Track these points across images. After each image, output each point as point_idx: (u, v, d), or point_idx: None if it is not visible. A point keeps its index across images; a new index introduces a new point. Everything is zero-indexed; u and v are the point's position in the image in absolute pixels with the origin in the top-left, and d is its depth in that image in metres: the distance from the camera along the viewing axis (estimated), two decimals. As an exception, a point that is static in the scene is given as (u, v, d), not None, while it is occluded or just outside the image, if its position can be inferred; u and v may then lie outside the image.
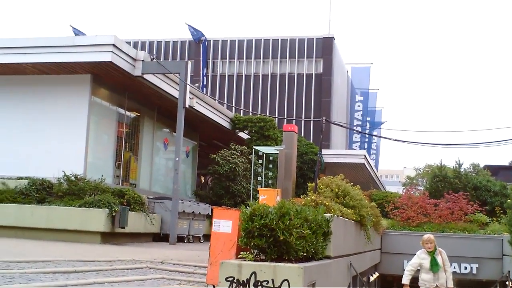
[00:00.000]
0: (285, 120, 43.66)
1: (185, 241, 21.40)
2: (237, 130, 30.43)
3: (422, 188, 37.47)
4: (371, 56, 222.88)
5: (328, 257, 9.48)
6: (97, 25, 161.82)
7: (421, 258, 11.15)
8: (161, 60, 32.98)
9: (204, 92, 40.22)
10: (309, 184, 15.28)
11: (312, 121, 46.34)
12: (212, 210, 9.58)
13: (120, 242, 17.92)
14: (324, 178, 14.13)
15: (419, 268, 11.22)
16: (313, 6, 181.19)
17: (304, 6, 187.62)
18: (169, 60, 47.75)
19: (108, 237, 17.59)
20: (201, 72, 48.36)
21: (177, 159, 20.27)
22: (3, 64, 19.95)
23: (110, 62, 18.72)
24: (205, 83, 48.66)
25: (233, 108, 44.20)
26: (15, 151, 20.55)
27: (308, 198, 10.67)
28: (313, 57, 48.98)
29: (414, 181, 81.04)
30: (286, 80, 49.04)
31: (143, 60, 20.09)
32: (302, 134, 41.43)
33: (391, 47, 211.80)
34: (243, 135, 30.94)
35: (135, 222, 18.73)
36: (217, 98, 45.05)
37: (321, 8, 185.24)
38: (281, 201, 8.19)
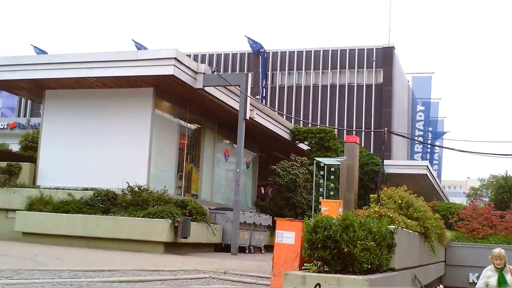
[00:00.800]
0: (345, 131, 43.35)
1: (246, 252, 21.46)
2: (297, 141, 30.41)
3: (487, 200, 36.52)
4: (432, 65, 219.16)
5: (393, 269, 9.33)
6: (158, 38, 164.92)
7: (487, 276, 10.62)
8: (221, 72, 33.32)
9: (264, 104, 40.34)
10: (371, 196, 15.10)
11: (372, 132, 45.88)
12: (272, 220, 9.58)
13: (182, 252, 18.12)
14: (386, 189, 13.94)
15: None
16: (372, 16, 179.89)
17: (363, 16, 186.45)
18: (229, 72, 48.21)
19: (171, 247, 17.82)
20: (260, 83, 48.60)
21: (238, 170, 20.39)
22: (69, 78, 20.53)
23: (172, 75, 19.02)
24: (264, 95, 48.87)
25: (292, 119, 44.22)
26: (80, 163, 21.10)
27: (372, 210, 10.53)
28: (373, 67, 48.59)
29: (478, 192, 79.04)
30: (346, 90, 48.79)
31: (204, 73, 20.34)
32: (363, 145, 41.02)
33: (453, 56, 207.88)
34: (303, 146, 30.88)
35: (197, 232, 18.91)
36: (276, 109, 45.15)
37: (380, 18, 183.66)
38: (345, 212, 8.13)
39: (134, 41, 46.72)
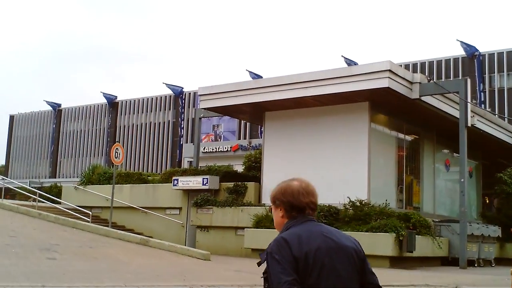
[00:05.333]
0: None
1: (475, 265, 20.45)
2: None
3: None
4: None
5: None
6: (364, 52, 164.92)
7: None
8: (435, 79, 32.30)
9: (483, 109, 38.28)
10: None
11: None
12: (502, 232, 9.02)
13: (408, 267, 17.78)
14: None
15: None
16: None
17: None
18: (442, 79, 46.60)
19: (396, 262, 17.58)
20: (477, 88, 46.32)
21: (462, 180, 19.62)
22: (287, 99, 21.28)
23: (387, 87, 18.87)
24: (482, 99, 46.48)
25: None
26: (301, 180, 21.66)
27: None
28: None
29: None
30: None
31: (419, 83, 19.91)
32: None
33: None
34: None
35: (422, 246, 18.45)
36: (497, 113, 42.67)
37: None
38: None
39: (344, 57, 47.24)
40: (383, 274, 14.67)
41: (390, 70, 18.76)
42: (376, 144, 21.21)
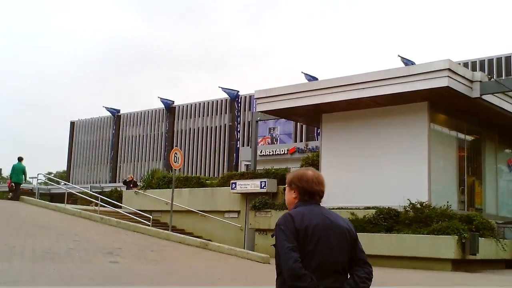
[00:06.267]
0: None
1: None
2: None
3: None
4: None
5: None
6: (421, 51, 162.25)
7: None
8: (495, 77, 31.54)
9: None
10: None
11: None
12: None
13: (471, 270, 17.37)
14: None
15: None
16: None
17: None
18: (503, 77, 45.39)
19: (459, 265, 17.20)
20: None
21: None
22: (344, 100, 21.12)
23: (447, 87, 18.50)
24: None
25: None
26: (359, 182, 21.47)
27: None
28: None
29: None
30: None
31: (480, 81, 19.45)
32: None
33: None
34: None
35: (486, 248, 18.00)
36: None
37: None
38: None
39: (401, 57, 46.56)
40: (447, 278, 14.42)
41: (449, 69, 18.39)
42: (436, 144, 20.81)
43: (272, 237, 3.74)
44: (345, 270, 3.69)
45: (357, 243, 3.77)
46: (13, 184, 27.09)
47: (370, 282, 3.77)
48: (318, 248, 3.58)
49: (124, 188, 31.14)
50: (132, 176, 30.79)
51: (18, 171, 26.15)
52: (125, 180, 30.45)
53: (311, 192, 3.82)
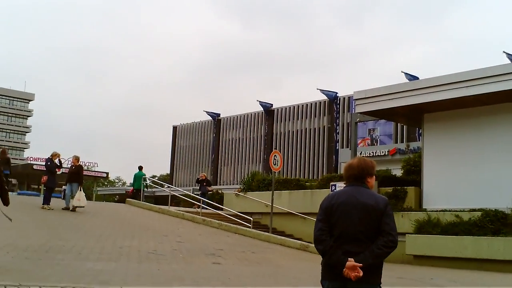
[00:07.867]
0: None
1: None
2: None
3: None
4: None
5: None
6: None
7: None
8: None
9: None
10: None
11: None
12: None
13: None
14: None
15: None
16: None
17: None
18: None
19: None
20: None
21: None
22: (446, 100, 20.54)
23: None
24: None
25: None
26: (464, 183, 20.78)
27: None
28: None
29: None
30: None
31: None
32: None
33: None
34: None
35: None
36: None
37: None
38: None
39: (506, 53, 44.76)
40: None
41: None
42: (545, 142, 19.83)
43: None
44: (369, 238, 4.42)
45: (383, 217, 4.46)
46: (135, 190, 29.95)
47: (387, 249, 4.37)
48: (339, 220, 4.53)
49: (198, 189, 31.52)
50: (205, 175, 31.25)
51: (139, 178, 29.21)
52: (198, 178, 30.94)
53: (346, 177, 4.83)
